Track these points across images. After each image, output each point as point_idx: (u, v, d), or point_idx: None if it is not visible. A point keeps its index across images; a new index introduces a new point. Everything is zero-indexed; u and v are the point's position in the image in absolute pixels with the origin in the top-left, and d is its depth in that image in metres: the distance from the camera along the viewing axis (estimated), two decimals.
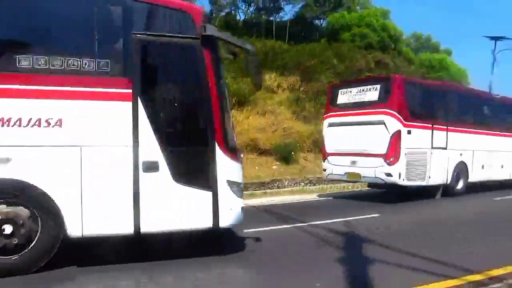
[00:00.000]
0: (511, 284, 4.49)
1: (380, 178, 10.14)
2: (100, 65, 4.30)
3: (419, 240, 6.58)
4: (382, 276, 4.65)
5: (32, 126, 4.11)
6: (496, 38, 26.64)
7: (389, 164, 9.96)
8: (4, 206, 4.11)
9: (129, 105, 4.37)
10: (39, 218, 4.20)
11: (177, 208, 4.54)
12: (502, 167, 13.72)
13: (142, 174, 4.39)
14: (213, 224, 4.69)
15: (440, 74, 32.40)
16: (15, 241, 4.13)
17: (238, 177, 4.87)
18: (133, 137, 4.38)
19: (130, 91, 4.37)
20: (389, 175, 9.99)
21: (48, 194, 4.16)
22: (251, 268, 5.08)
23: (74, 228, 4.27)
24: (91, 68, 4.27)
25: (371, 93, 10.55)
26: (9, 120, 4.05)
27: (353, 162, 10.59)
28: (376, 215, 8.67)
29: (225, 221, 4.74)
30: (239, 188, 4.87)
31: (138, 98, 4.39)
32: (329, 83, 20.36)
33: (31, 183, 4.11)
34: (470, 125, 12.35)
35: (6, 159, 4.04)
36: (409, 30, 55.44)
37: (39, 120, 4.13)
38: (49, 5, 4.40)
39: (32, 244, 4.20)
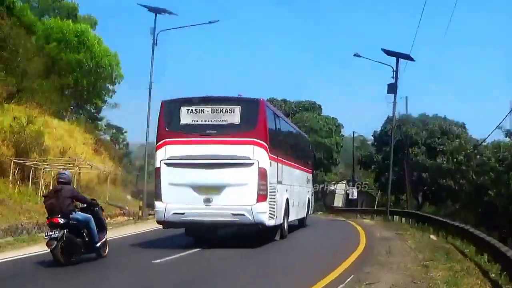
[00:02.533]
0: None
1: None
2: (307, 162, 16.14)
3: None
4: None
5: (302, 179, 14.78)
6: (156, 11, 21.87)
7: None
8: (306, 205, 15.70)
9: (311, 174, 17.08)
10: (307, 207, 16.00)
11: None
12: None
13: (309, 194, 16.64)
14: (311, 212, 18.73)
15: (80, 56, 25.04)
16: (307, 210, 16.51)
17: None
18: (306, 182, 15.82)
19: (311, 168, 16.85)
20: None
21: (310, 200, 16.30)
22: None
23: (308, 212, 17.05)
24: (307, 162, 16.05)
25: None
26: (304, 178, 15.03)
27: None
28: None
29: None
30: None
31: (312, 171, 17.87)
32: None
33: (308, 198, 15.88)
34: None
35: (308, 191, 16.20)
36: None
37: (306, 177, 15.57)
38: (296, 141, 14.76)
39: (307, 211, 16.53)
